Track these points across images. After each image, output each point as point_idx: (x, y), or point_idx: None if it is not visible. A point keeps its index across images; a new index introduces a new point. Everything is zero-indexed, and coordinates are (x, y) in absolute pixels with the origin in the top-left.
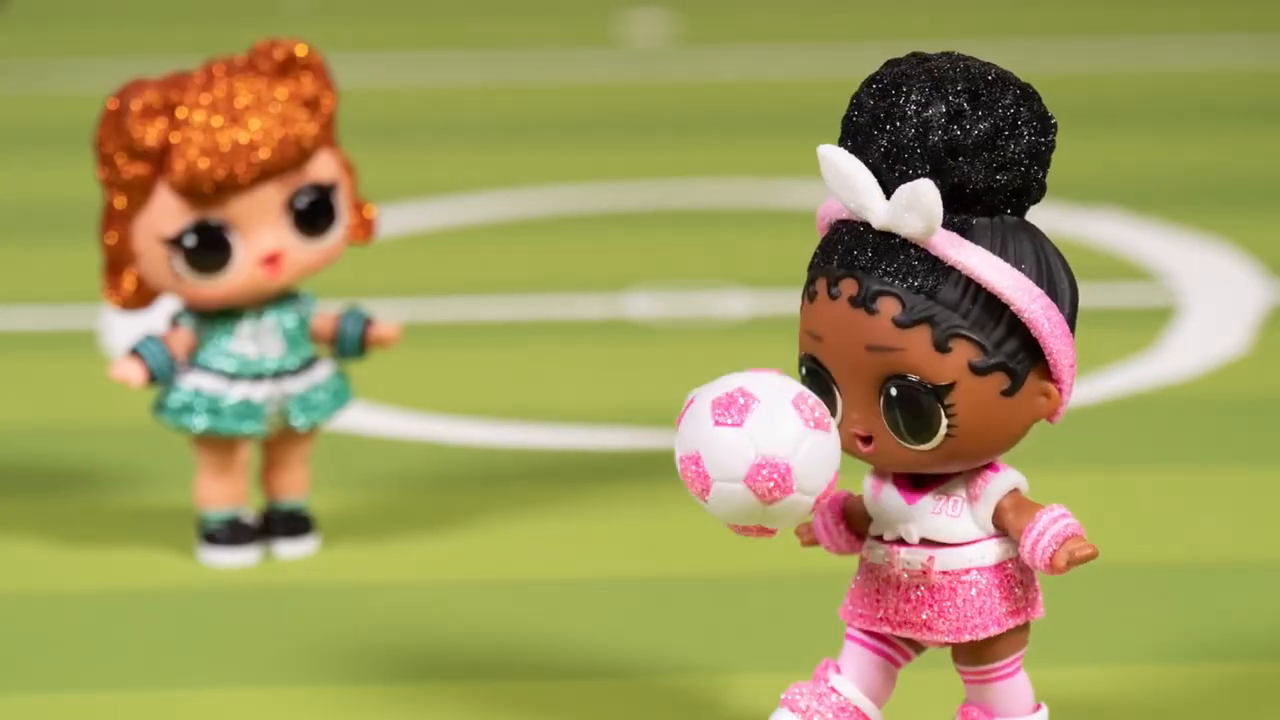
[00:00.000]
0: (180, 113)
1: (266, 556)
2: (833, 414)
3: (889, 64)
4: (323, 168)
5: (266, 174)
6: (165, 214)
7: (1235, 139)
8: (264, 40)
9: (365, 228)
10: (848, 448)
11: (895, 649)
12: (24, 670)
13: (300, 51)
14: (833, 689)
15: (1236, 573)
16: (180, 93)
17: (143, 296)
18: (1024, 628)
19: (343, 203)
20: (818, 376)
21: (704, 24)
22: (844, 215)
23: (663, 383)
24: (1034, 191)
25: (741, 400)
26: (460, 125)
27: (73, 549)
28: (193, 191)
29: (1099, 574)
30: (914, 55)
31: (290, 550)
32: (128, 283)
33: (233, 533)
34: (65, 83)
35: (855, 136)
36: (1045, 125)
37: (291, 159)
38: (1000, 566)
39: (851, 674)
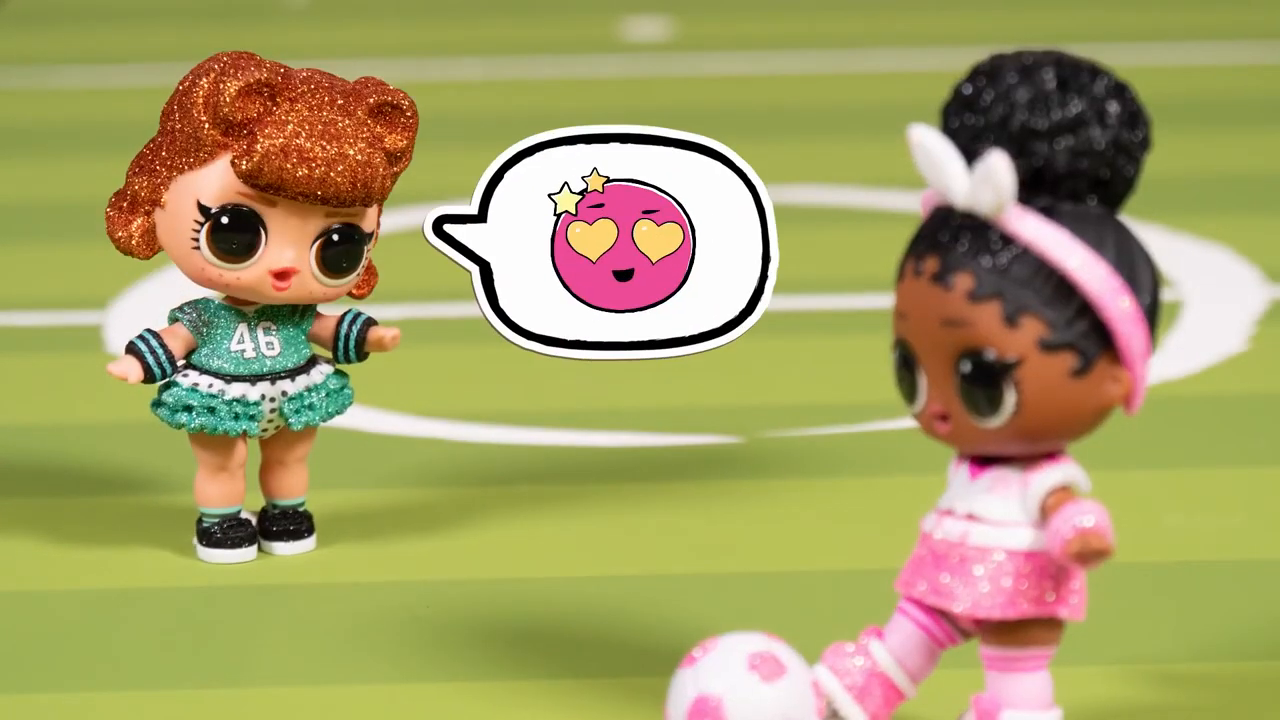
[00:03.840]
0: (280, 105)
1: (265, 556)
2: (915, 395)
3: (993, 55)
4: (369, 218)
5: (325, 198)
6: (215, 183)
7: (1235, 139)
8: (373, 78)
9: (368, 284)
10: (928, 428)
11: (941, 628)
12: (23, 670)
13: (403, 102)
14: (867, 652)
15: (1236, 572)
16: (287, 88)
17: (141, 245)
18: (1053, 625)
19: (366, 256)
20: (905, 358)
21: (703, 28)
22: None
23: (663, 383)
24: (1120, 185)
25: (698, 651)
26: (460, 125)
27: (72, 549)
28: (254, 179)
29: (1098, 573)
30: (1018, 50)
31: (288, 549)
32: (136, 227)
33: (231, 532)
34: (65, 82)
35: (948, 118)
36: (1135, 120)
37: (355, 197)
38: (1031, 555)
39: (893, 644)
